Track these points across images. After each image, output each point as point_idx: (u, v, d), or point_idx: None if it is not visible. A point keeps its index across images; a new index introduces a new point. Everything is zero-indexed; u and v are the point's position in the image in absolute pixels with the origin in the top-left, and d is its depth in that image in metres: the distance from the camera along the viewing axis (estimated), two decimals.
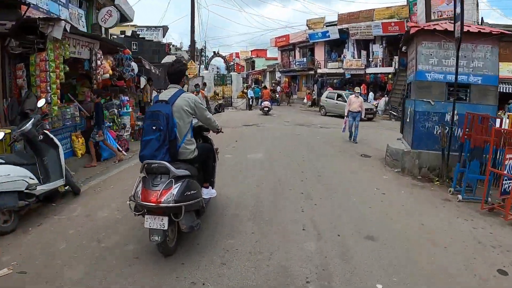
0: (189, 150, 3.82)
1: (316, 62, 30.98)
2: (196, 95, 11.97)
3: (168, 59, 16.66)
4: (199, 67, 26.64)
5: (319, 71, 30.28)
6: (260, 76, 47.61)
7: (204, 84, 18.88)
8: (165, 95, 3.81)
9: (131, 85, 11.46)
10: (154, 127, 3.57)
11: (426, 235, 4.35)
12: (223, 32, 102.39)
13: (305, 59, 32.28)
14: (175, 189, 3.43)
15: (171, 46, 30.46)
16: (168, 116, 3.57)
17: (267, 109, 21.23)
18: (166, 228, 3.39)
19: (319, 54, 31.16)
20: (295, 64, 33.48)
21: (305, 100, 31.05)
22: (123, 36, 24.87)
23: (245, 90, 27.02)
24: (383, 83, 25.12)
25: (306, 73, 32.80)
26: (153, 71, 14.05)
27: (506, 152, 5.23)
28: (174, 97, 3.74)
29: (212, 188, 4.60)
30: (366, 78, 25.98)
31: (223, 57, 37.66)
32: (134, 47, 23.85)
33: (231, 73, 31.88)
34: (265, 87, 31.64)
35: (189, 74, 17.39)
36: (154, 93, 15.80)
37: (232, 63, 68.15)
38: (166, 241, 3.51)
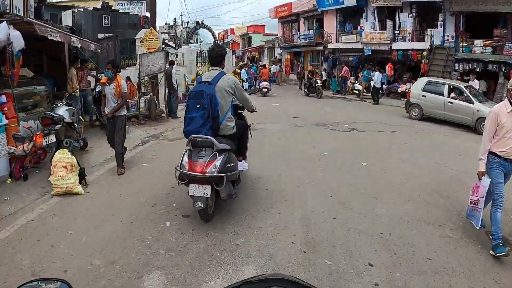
0: (229, 127, 4.32)
1: (325, 35, 25.36)
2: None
3: (143, 33, 13.05)
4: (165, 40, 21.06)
5: (329, 46, 24.71)
6: (257, 54, 41.86)
7: (171, 64, 13.66)
8: (208, 76, 4.28)
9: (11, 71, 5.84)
10: (198, 106, 4.02)
11: None
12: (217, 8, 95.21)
13: (311, 32, 26.62)
14: (218, 161, 3.92)
15: (146, 19, 24.80)
16: (212, 95, 4.01)
17: (265, 90, 19.06)
18: (209, 196, 3.89)
19: (330, 25, 25.48)
20: (299, 38, 27.80)
21: None
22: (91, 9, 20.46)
23: (237, 70, 21.47)
24: (414, 63, 19.70)
25: (313, 48, 27.16)
26: (92, 48, 8.95)
27: None
28: (216, 78, 4.19)
29: (245, 162, 4.98)
30: (393, 56, 20.51)
31: (210, 29, 31.75)
32: (106, 21, 20.38)
33: None
34: (263, 66, 26.27)
35: (147, 48, 11.90)
36: (90, 78, 10.60)
37: (227, 40, 62.46)
38: (207, 208, 3.99)
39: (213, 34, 33.22)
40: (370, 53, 22.13)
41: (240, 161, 4.69)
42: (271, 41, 35.86)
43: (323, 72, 24.19)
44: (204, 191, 3.87)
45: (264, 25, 51.13)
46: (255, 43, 43.90)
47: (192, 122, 4.06)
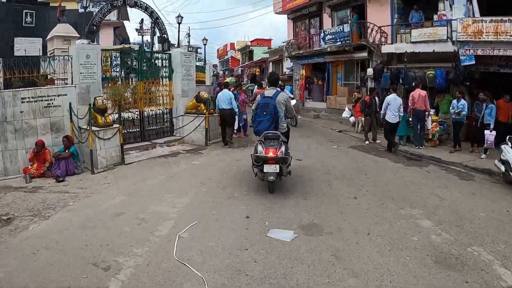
0: (283, 127, 6.34)
1: (373, 31, 14.06)
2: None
3: (59, 29, 10.07)
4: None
5: (384, 49, 13.28)
6: (257, 70, 30.83)
7: None
8: (269, 93, 6.26)
9: None
10: (264, 113, 6.00)
11: None
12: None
13: (345, 28, 15.39)
14: (283, 147, 5.86)
15: (65, 12, 14.44)
16: (275, 106, 6.01)
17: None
18: (278, 171, 5.77)
19: (378, 16, 14.24)
20: (323, 39, 16.52)
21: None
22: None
23: (204, 96, 10.11)
24: None
25: (349, 57, 15.78)
26: None
27: None
28: (275, 95, 6.18)
29: None
30: None
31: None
32: (28, 19, 14.66)
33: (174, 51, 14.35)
34: (259, 85, 15.06)
35: None
36: None
37: (227, 56, 52.42)
38: (275, 181, 5.86)
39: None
40: (473, 62, 10.67)
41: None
42: (277, 51, 24.81)
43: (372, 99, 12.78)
44: (275, 168, 5.74)
45: (270, 40, 40.90)
46: (257, 58, 33.04)
47: (261, 124, 6.04)
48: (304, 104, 19.26)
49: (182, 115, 10.59)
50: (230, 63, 48.99)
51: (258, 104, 6.16)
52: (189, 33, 54.66)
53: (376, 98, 11.53)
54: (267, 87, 7.19)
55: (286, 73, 22.13)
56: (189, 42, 64.63)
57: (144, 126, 9.98)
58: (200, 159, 8.71)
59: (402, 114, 9.83)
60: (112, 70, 9.80)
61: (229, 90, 10.75)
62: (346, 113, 15.01)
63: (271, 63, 27.77)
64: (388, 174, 7.50)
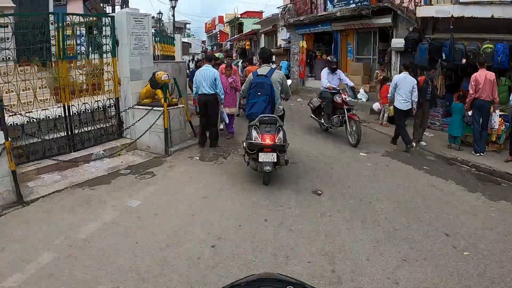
0: (280, 109, 5.62)
1: None
2: None
3: None
4: None
5: (420, 12, 9.66)
6: (247, 43, 27.03)
7: None
8: (263, 71, 5.46)
9: None
10: (259, 93, 5.24)
11: None
12: None
13: None
14: (281, 133, 5.11)
15: None
16: (271, 85, 5.26)
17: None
18: (275, 160, 5.00)
19: None
20: (332, 2, 12.87)
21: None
22: None
23: (162, 78, 6.68)
24: None
25: (366, 24, 12.16)
26: None
27: None
28: (270, 72, 5.42)
29: None
30: None
31: None
32: None
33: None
34: (246, 62, 11.62)
35: None
36: None
37: (215, 31, 48.42)
38: (271, 172, 5.11)
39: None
40: None
41: None
42: (271, 20, 21.00)
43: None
44: (272, 157, 4.97)
45: (262, 12, 36.73)
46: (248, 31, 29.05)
47: (255, 105, 5.25)
48: (305, 83, 15.78)
49: (131, 107, 7.12)
50: (218, 38, 44.88)
51: (251, 83, 5.44)
52: (174, 5, 50.51)
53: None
54: (259, 64, 6.78)
55: (282, 46, 18.45)
56: (173, 15, 59.97)
57: (73, 128, 6.48)
58: (145, 190, 5.22)
59: (416, 99, 7.32)
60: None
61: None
62: (361, 96, 11.71)
63: (263, 35, 24.00)
64: (481, 230, 4.23)
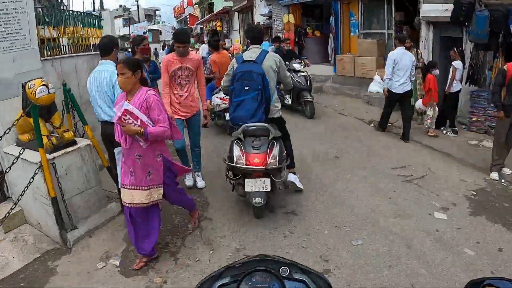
0: (277, 108, 3.95)
1: None
2: None
3: None
4: None
5: None
6: (218, 24, 23.32)
7: None
8: (250, 55, 3.78)
9: None
10: (246, 87, 3.54)
11: None
12: None
13: None
14: (276, 150, 3.50)
15: None
16: (263, 75, 3.55)
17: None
18: (269, 189, 3.45)
19: None
20: None
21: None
22: None
23: (37, 95, 3.23)
24: None
25: None
26: None
27: None
28: (261, 56, 3.74)
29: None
30: None
31: None
32: None
33: None
34: (215, 47, 7.56)
35: None
36: None
37: (184, 15, 44.46)
38: (262, 206, 3.53)
39: None
40: None
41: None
42: None
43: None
44: (264, 185, 3.43)
45: None
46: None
47: (241, 106, 3.57)
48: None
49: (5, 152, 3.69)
50: (188, 22, 40.64)
51: (235, 74, 3.64)
52: None
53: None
54: (245, 45, 5.36)
55: (262, 23, 14.92)
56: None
57: None
58: None
59: (413, 80, 6.24)
60: None
61: None
62: (374, 86, 8.71)
63: (236, 14, 20.34)
64: None
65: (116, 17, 76.47)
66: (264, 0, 13.76)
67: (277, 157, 3.50)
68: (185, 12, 42.55)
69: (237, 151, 3.53)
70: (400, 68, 5.93)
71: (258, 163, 3.41)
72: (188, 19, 39.87)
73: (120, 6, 76.39)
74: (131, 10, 59.35)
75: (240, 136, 3.57)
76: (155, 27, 52.46)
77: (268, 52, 3.94)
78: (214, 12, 26.10)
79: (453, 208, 3.94)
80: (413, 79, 6.18)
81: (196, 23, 34.27)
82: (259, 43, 4.01)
